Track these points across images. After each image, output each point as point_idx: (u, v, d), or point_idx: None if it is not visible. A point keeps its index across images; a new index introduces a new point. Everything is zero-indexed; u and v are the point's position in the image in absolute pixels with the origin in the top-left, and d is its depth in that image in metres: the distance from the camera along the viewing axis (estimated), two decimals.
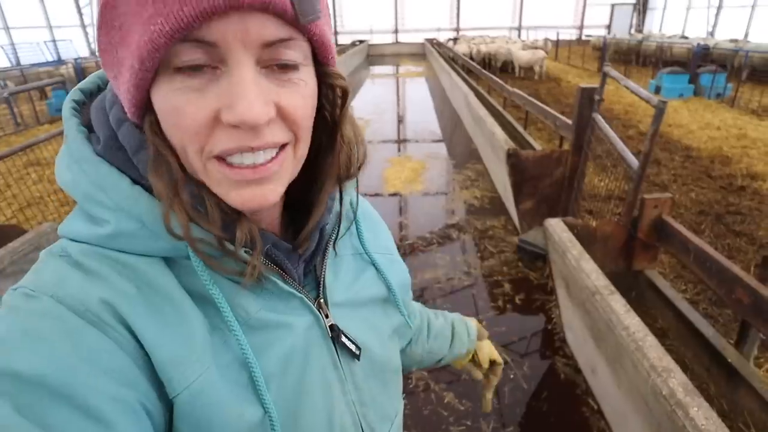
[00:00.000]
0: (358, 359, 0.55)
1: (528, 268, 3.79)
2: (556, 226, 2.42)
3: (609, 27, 26.67)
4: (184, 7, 0.33)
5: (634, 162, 2.49)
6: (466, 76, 9.58)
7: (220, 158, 0.40)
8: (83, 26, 20.96)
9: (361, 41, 24.83)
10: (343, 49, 19.16)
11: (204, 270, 0.43)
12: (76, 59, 14.96)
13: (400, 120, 9.56)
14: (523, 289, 3.54)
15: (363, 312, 0.59)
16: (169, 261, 0.44)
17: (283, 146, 0.42)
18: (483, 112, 5.58)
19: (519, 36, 25.93)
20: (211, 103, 0.38)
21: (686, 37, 17.85)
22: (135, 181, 0.42)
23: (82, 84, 0.50)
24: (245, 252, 0.44)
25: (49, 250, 0.43)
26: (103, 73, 0.51)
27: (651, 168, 5.61)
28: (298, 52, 0.40)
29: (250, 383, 0.44)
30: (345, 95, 0.48)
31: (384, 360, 0.60)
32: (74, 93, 0.48)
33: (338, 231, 0.56)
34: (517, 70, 14.50)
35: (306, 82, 0.42)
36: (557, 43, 19.90)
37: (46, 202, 4.80)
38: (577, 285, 2.12)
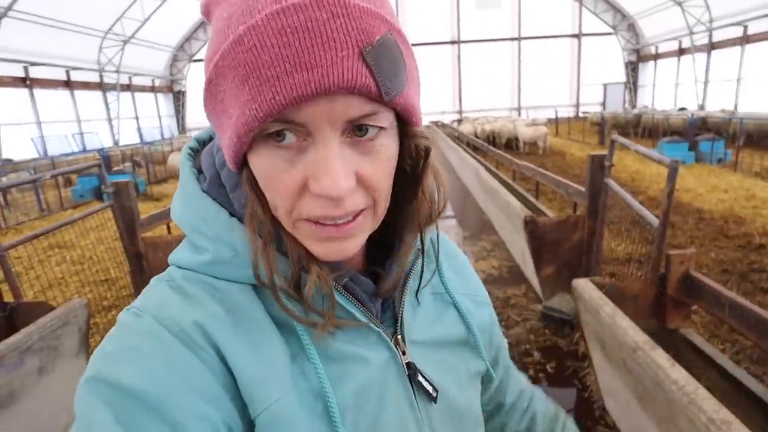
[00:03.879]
0: (435, 401, 0.53)
1: (555, 335, 3.72)
2: (585, 285, 2.44)
3: (603, 104, 28.06)
4: (277, 96, 0.37)
5: (654, 220, 2.56)
6: (473, 153, 9.99)
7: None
8: (109, 120, 22.69)
9: None
10: None
11: (287, 300, 0.45)
12: (101, 149, 16.07)
13: None
14: (554, 356, 3.45)
15: (441, 353, 0.57)
16: (257, 288, 0.47)
17: (362, 210, 0.44)
18: (495, 184, 5.76)
19: (519, 115, 27.28)
20: (300, 172, 0.41)
21: (684, 109, 18.70)
22: (232, 215, 0.47)
23: (197, 135, 0.57)
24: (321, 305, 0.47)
25: (159, 277, 0.49)
26: None
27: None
28: (382, 122, 0.42)
29: (326, 414, 0.45)
30: (428, 153, 0.49)
31: (463, 406, 0.58)
32: (191, 142, 0.56)
33: (423, 270, 0.56)
34: (521, 145, 15.10)
35: (387, 146, 0.44)
36: (557, 120, 20.87)
37: (67, 283, 4.91)
38: (615, 342, 2.09)
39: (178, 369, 0.40)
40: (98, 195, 10.59)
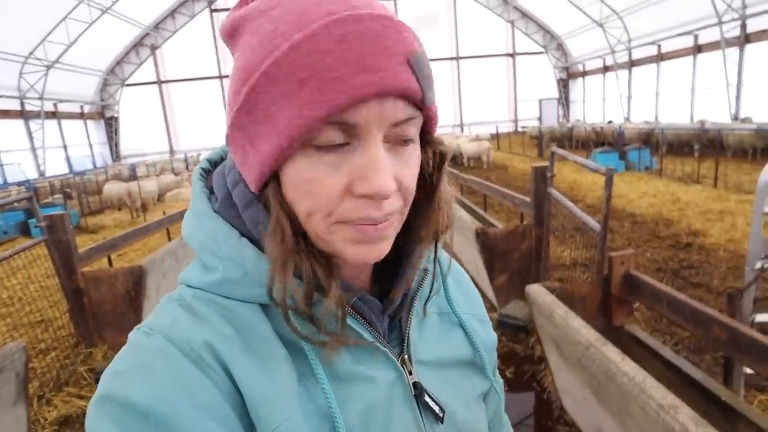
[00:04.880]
0: (442, 422, 0.53)
1: (512, 342, 3.84)
2: (538, 290, 2.56)
3: (540, 119, 29.70)
4: (340, 96, 0.39)
5: (596, 225, 2.74)
6: None
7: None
8: (33, 149, 21.08)
9: None
10: None
11: (296, 320, 0.45)
12: (25, 181, 14.87)
13: None
14: (512, 362, 3.56)
15: (447, 373, 0.57)
16: (265, 307, 0.47)
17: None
18: None
19: (462, 131, 28.27)
20: (344, 176, 0.42)
21: (611, 122, 20.26)
22: (243, 235, 0.47)
23: (209, 155, 0.57)
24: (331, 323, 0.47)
25: (170, 295, 0.49)
26: (227, 147, 0.56)
27: None
28: (415, 128, 0.45)
29: None
30: (443, 158, 0.52)
31: (470, 426, 0.57)
32: (203, 162, 0.56)
33: (431, 290, 0.57)
34: (465, 161, 15.62)
35: (415, 152, 0.46)
36: (497, 135, 21.83)
37: None
38: (569, 342, 2.20)
39: (186, 387, 0.40)
40: (24, 230, 9.90)
